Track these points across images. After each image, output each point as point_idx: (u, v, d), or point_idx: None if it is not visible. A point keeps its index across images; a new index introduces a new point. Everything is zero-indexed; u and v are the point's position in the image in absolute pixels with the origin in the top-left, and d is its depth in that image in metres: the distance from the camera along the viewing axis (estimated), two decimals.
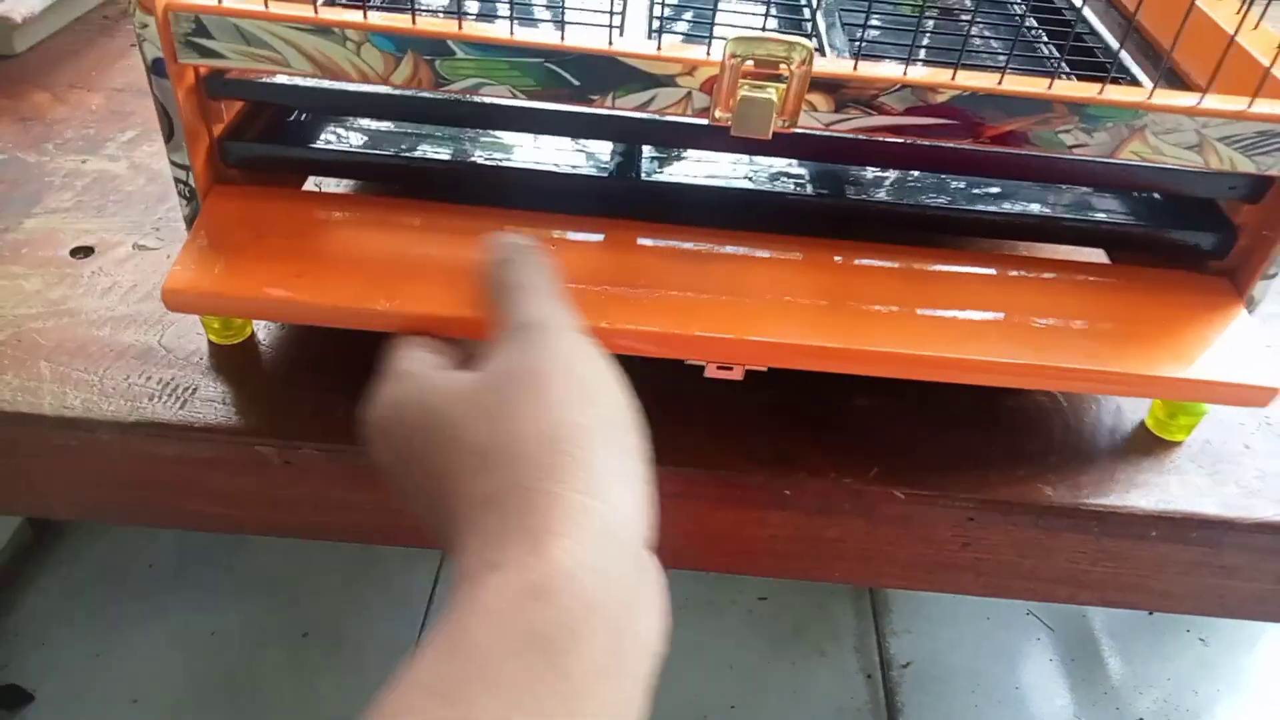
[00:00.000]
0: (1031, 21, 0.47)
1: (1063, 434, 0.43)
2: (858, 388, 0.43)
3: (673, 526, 0.30)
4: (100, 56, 0.62)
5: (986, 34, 0.48)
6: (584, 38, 0.33)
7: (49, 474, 0.41)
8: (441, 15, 0.42)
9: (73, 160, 0.52)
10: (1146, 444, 0.43)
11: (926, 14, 0.49)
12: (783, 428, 0.41)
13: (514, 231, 0.33)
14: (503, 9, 0.44)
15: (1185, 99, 0.34)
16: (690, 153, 0.41)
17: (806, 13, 0.44)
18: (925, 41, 0.47)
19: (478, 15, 0.43)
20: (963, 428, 0.42)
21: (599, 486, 0.26)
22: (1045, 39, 0.47)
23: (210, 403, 0.39)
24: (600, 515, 0.25)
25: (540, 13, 0.45)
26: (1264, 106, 0.33)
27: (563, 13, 0.33)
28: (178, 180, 0.36)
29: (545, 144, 0.41)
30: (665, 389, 0.41)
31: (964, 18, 0.49)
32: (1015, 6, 0.49)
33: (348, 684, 0.87)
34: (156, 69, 0.34)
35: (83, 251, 0.46)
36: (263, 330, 0.43)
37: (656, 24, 0.41)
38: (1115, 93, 0.33)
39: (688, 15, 0.45)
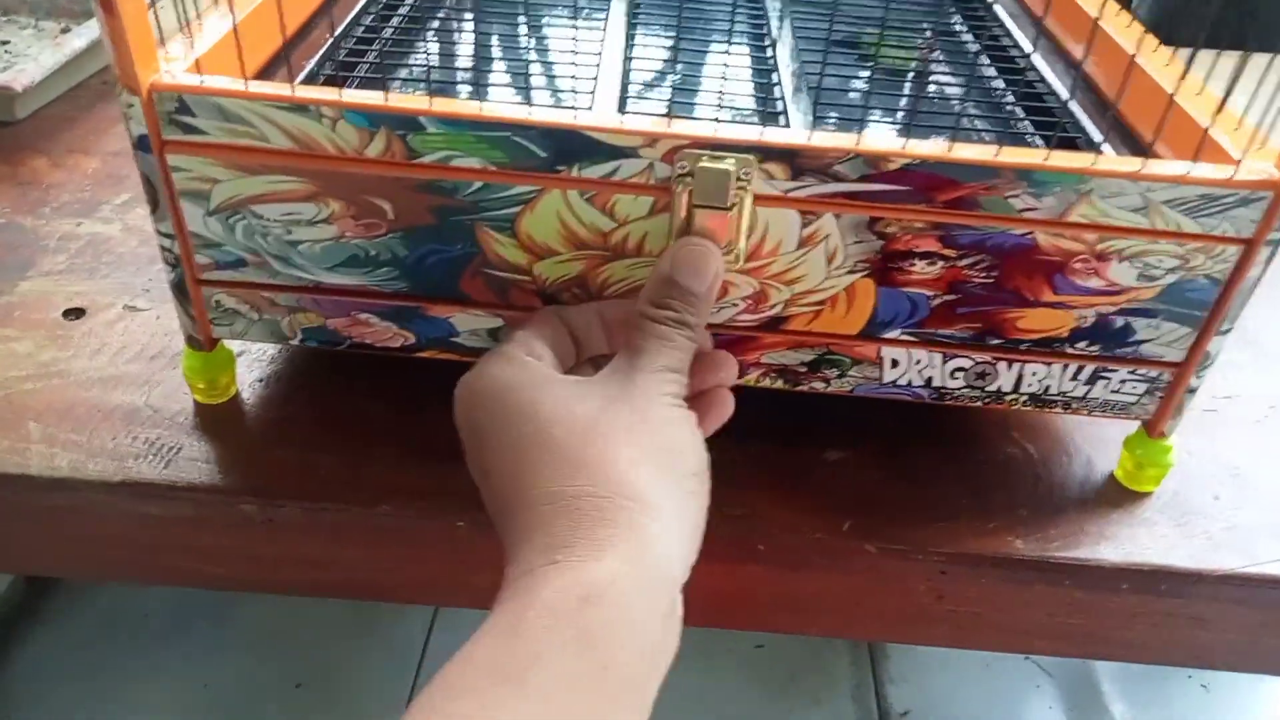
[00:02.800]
0: (990, 72, 0.49)
1: (1032, 485, 0.43)
2: (828, 441, 0.44)
3: None
4: (97, 122, 0.64)
5: (946, 89, 0.49)
6: (550, 112, 0.35)
7: (37, 533, 0.42)
8: (417, 90, 0.44)
9: (68, 224, 0.54)
10: (1116, 495, 0.43)
11: (885, 74, 0.51)
12: (753, 482, 0.41)
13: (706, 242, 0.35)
14: (491, 79, 0.45)
15: (1129, 164, 0.35)
16: None
17: (775, 76, 0.45)
18: (883, 100, 0.49)
19: (472, 83, 0.45)
20: (932, 481, 0.43)
21: (668, 527, 0.29)
22: (1002, 89, 0.48)
23: (194, 462, 0.40)
24: (660, 551, 0.29)
25: (532, 79, 0.46)
26: (1205, 170, 0.35)
27: (528, 88, 0.34)
28: (163, 248, 0.38)
29: None
30: None
31: (923, 77, 0.50)
32: (972, 58, 0.50)
33: None
34: (141, 144, 0.35)
35: (74, 313, 0.47)
36: (247, 390, 0.44)
37: (622, 96, 0.43)
38: (1061, 159, 0.35)
39: (661, 84, 0.46)
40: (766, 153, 0.35)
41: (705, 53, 0.49)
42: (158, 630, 0.93)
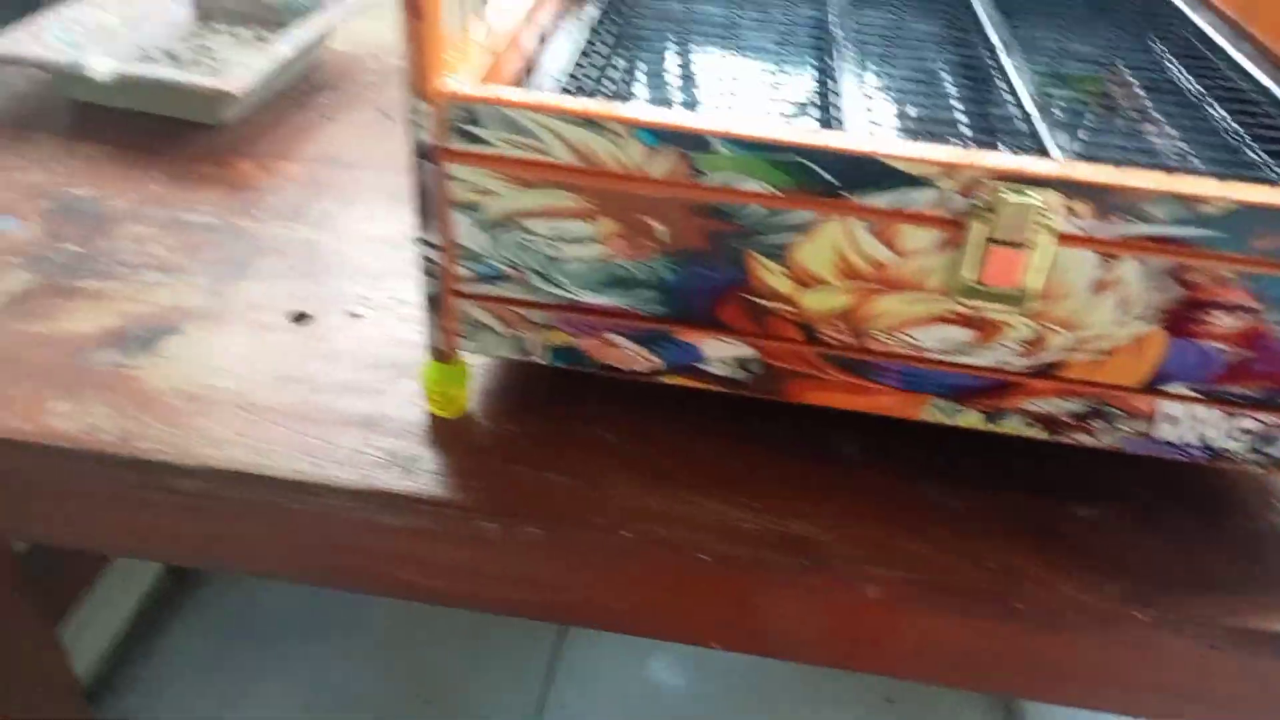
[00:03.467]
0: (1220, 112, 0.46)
1: None
2: (1073, 495, 0.41)
3: (897, 636, 0.28)
4: (297, 129, 0.65)
5: (1179, 133, 0.47)
6: (844, 137, 0.34)
7: (267, 534, 0.42)
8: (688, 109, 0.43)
9: (278, 227, 0.55)
10: None
11: (1126, 112, 0.49)
12: (1006, 535, 0.39)
13: None
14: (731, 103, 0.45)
15: None
16: None
17: (1018, 113, 0.43)
18: (1133, 139, 0.46)
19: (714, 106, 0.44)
20: (1192, 547, 0.40)
21: None
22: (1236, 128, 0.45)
23: (433, 474, 0.39)
24: None
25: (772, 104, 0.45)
26: None
27: (827, 110, 0.33)
28: (427, 259, 0.38)
29: None
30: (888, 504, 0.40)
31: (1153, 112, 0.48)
32: (1201, 99, 0.47)
33: None
34: (422, 152, 0.35)
35: (300, 317, 0.48)
36: (474, 404, 0.43)
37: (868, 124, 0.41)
38: None
39: (903, 111, 0.45)
40: (1073, 188, 0.33)
41: (933, 83, 0.47)
42: (291, 632, 0.94)
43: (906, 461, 0.42)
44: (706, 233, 0.35)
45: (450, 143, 0.35)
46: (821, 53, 0.49)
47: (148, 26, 0.70)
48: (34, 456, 0.41)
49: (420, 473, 0.39)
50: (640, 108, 0.34)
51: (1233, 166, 0.42)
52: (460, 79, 0.35)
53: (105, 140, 0.61)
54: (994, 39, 0.50)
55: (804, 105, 0.44)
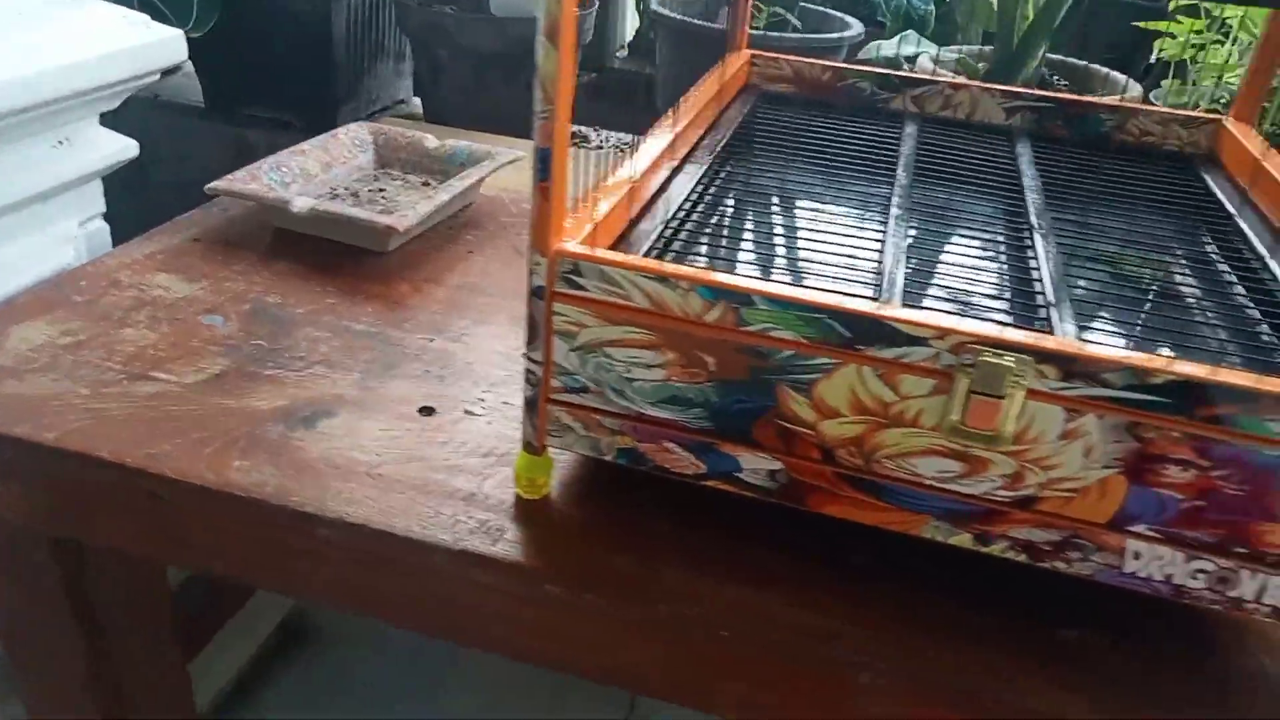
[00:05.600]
0: (1241, 292, 0.53)
1: (1266, 703, 0.45)
2: (1065, 620, 0.47)
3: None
4: (447, 258, 0.78)
5: (1206, 312, 0.53)
6: (859, 302, 0.43)
7: (387, 585, 0.52)
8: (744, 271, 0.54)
9: (423, 338, 0.67)
10: None
11: (1146, 294, 0.56)
12: (983, 652, 0.45)
13: None
14: (797, 264, 0.55)
15: None
16: None
17: (1040, 299, 0.52)
18: (1143, 316, 0.54)
19: (785, 268, 0.55)
20: (1164, 677, 0.45)
21: None
22: (1253, 307, 0.52)
23: (514, 543, 0.49)
24: None
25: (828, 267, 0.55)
26: None
27: (826, 275, 0.42)
28: (529, 371, 0.48)
29: None
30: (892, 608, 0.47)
31: (1180, 294, 0.55)
32: (1231, 286, 0.54)
33: None
34: (537, 293, 0.46)
35: (426, 410, 0.59)
36: (557, 490, 0.53)
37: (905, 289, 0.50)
38: None
39: (939, 282, 0.54)
40: (1042, 356, 0.41)
41: (973, 255, 0.56)
42: (383, 688, 1.03)
43: (913, 573, 0.49)
44: (747, 367, 0.45)
45: (557, 287, 0.46)
46: (883, 222, 0.58)
47: (337, 169, 0.87)
48: (215, 501, 0.52)
49: (505, 541, 0.49)
50: (701, 271, 0.44)
51: (1247, 349, 0.49)
52: (570, 241, 0.46)
53: (296, 260, 0.75)
54: (1034, 220, 0.59)
55: (852, 268, 0.53)
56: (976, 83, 0.81)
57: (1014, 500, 0.44)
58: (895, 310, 0.42)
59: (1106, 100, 0.79)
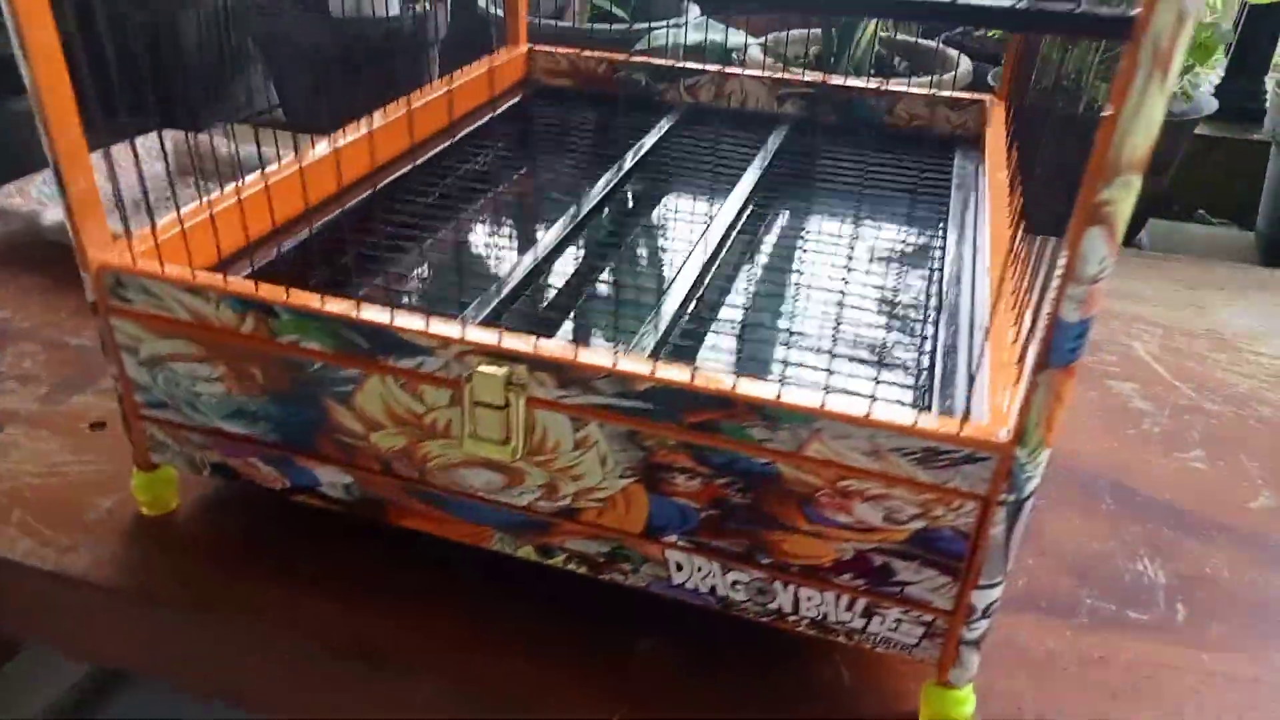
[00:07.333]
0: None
1: (840, 713, 0.43)
2: (642, 630, 0.46)
3: None
4: None
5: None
6: (370, 311, 0.42)
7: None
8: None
9: None
10: None
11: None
12: (550, 662, 0.44)
13: None
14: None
15: (855, 407, 0.36)
16: None
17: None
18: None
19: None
20: (743, 691, 0.43)
21: None
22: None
23: (107, 559, 0.49)
24: None
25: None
26: (931, 423, 0.35)
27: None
28: (115, 387, 0.48)
29: None
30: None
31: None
32: None
33: None
34: (93, 308, 0.46)
35: (98, 425, 0.59)
36: (193, 506, 0.53)
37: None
38: (791, 396, 0.37)
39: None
40: (536, 364, 0.39)
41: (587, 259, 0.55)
42: None
43: (505, 584, 0.48)
44: (289, 379, 0.44)
45: (111, 301, 0.45)
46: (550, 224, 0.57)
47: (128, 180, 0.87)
48: None
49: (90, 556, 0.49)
50: (228, 281, 0.43)
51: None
52: (117, 254, 0.45)
53: (47, 274, 0.76)
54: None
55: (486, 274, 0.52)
56: (748, 71, 0.79)
57: (557, 511, 0.43)
58: (401, 319, 0.41)
59: (870, 86, 0.76)
